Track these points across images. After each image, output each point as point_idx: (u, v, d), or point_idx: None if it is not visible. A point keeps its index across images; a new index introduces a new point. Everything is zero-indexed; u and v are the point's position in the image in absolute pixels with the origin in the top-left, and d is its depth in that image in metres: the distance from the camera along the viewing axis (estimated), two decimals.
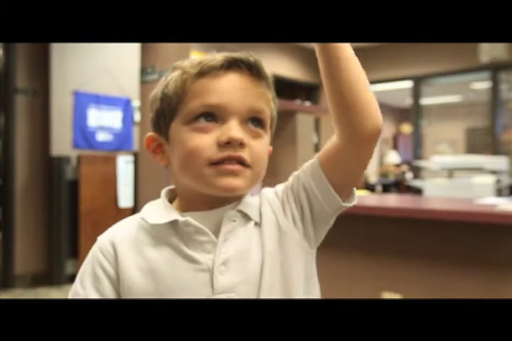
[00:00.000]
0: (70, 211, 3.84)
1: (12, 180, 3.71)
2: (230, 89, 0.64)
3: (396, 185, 7.54)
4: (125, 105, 4.28)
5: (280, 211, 0.68)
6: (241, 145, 0.62)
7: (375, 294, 2.14)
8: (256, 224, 0.67)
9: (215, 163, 0.62)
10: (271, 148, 0.71)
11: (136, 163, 4.15)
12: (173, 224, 0.65)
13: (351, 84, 0.62)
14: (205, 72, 0.64)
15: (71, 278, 3.84)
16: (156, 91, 0.69)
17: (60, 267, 3.78)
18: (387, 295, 2.12)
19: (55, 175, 3.78)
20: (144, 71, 3.16)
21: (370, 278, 2.17)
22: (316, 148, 5.84)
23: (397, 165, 8.37)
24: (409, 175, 6.97)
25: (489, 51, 4.76)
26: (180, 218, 0.64)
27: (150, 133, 0.70)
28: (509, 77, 5.42)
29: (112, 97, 4.19)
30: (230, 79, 0.64)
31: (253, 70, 0.66)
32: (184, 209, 0.68)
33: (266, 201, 0.70)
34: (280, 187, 0.72)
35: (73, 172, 3.87)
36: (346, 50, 0.65)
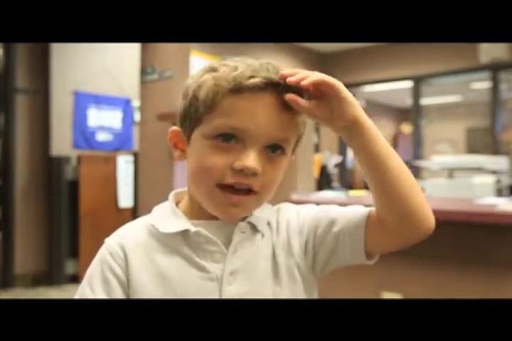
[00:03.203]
0: (70, 211, 3.84)
1: (12, 180, 3.70)
2: (258, 114, 0.61)
3: None
4: (125, 105, 4.27)
5: (295, 235, 0.69)
6: (254, 174, 0.61)
7: (375, 294, 2.14)
8: (262, 236, 0.68)
9: (224, 186, 0.62)
10: (294, 157, 0.71)
11: (136, 163, 4.15)
12: (184, 232, 0.65)
13: (402, 196, 0.61)
14: (238, 90, 0.61)
15: (71, 278, 3.84)
16: (190, 84, 0.65)
17: (60, 267, 3.77)
18: (387, 295, 2.12)
19: (55, 175, 3.78)
20: (143, 71, 3.17)
21: (370, 278, 2.17)
22: (316, 148, 5.84)
23: None
24: None
25: (489, 51, 4.76)
26: (192, 228, 0.65)
27: (175, 128, 0.69)
28: (509, 77, 5.42)
29: (112, 97, 4.19)
30: (261, 104, 0.61)
31: (290, 93, 0.62)
32: (194, 215, 0.68)
33: (284, 218, 0.71)
34: (304, 211, 0.72)
35: (73, 172, 3.86)
36: (397, 167, 0.62)
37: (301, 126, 0.67)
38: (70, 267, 3.82)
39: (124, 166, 4.15)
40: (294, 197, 2.41)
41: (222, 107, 0.61)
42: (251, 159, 0.60)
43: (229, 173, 0.61)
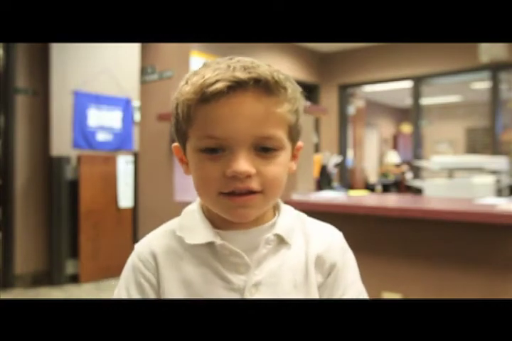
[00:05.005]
0: (70, 211, 3.84)
1: (12, 180, 3.71)
2: (233, 118, 0.60)
3: (396, 185, 7.55)
4: (125, 105, 4.27)
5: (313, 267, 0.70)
6: (248, 176, 0.61)
7: (375, 294, 2.14)
8: (290, 246, 0.69)
9: (226, 193, 0.62)
10: (301, 143, 0.70)
11: (136, 163, 4.15)
12: (210, 243, 0.67)
13: None
14: (206, 98, 0.60)
15: (71, 278, 3.84)
16: (172, 101, 0.66)
17: (60, 267, 3.77)
18: (387, 295, 2.12)
19: (55, 175, 3.78)
20: (144, 71, 3.16)
21: (370, 278, 2.17)
22: (316, 148, 5.84)
23: (397, 165, 8.38)
24: (409, 175, 6.97)
25: (489, 51, 4.76)
26: (218, 240, 0.66)
27: (176, 144, 0.70)
28: (509, 77, 5.42)
29: (112, 97, 4.19)
30: (232, 107, 0.60)
31: (260, 87, 0.61)
32: (218, 222, 0.68)
33: (324, 244, 0.71)
34: (347, 258, 0.73)
35: (73, 172, 3.86)
36: None
37: (288, 115, 0.64)
38: (70, 267, 3.82)
39: (124, 166, 4.15)
40: (294, 197, 2.41)
41: (197, 120, 0.62)
42: (240, 163, 0.60)
43: (225, 182, 0.61)
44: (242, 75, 0.60)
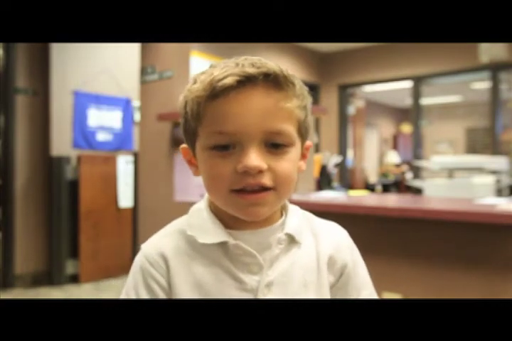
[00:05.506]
0: (70, 211, 3.84)
1: (12, 180, 3.71)
2: (242, 112, 0.60)
3: (396, 185, 7.55)
4: (125, 105, 4.27)
5: (336, 270, 0.71)
6: (259, 172, 0.60)
7: None
8: (301, 245, 0.69)
9: (237, 190, 0.61)
10: (310, 143, 0.70)
11: (136, 163, 4.15)
12: (222, 243, 0.66)
13: None
14: (216, 94, 0.60)
15: (71, 278, 3.84)
16: (180, 101, 0.66)
17: (60, 267, 3.77)
18: (387, 295, 2.12)
19: (55, 175, 3.78)
20: (144, 71, 3.16)
21: (370, 278, 2.17)
22: (316, 148, 5.84)
23: (397, 165, 8.38)
24: (409, 175, 6.97)
25: (489, 51, 4.76)
26: (231, 240, 0.65)
27: (184, 145, 0.70)
28: (509, 77, 5.42)
29: (112, 97, 4.19)
30: (242, 101, 0.60)
31: (270, 82, 0.61)
32: (227, 221, 0.67)
33: (333, 244, 0.72)
34: (355, 256, 0.75)
35: (73, 172, 3.86)
36: None
37: (297, 111, 0.64)
38: (70, 267, 3.82)
39: (124, 166, 4.15)
40: (294, 197, 2.41)
41: (207, 116, 0.62)
42: (251, 158, 0.59)
43: (236, 178, 0.60)
44: (251, 70, 0.60)
